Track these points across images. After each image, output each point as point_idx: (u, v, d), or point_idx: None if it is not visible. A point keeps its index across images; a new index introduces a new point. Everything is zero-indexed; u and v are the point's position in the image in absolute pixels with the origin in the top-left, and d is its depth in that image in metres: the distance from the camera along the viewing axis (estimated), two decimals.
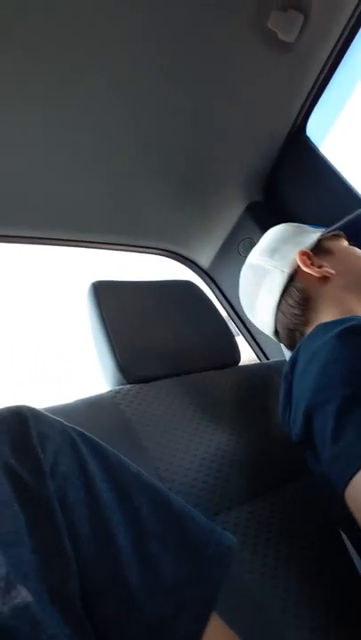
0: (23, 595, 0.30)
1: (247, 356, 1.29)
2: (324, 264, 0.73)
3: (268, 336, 0.82)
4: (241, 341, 1.18)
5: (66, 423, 0.44)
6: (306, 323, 0.73)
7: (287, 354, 0.89)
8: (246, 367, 0.93)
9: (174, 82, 0.85)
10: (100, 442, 0.45)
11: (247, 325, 1.33)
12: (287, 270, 0.74)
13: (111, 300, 0.83)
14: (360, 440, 0.47)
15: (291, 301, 0.73)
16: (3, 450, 0.37)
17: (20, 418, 0.40)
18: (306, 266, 0.72)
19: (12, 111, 0.80)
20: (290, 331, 0.75)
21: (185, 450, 0.68)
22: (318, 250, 0.75)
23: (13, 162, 0.89)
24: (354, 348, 0.54)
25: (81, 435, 0.44)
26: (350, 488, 0.46)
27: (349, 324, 0.57)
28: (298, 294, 0.73)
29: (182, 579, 0.40)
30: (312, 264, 0.73)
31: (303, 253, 0.73)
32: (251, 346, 1.34)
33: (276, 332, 0.79)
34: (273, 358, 1.26)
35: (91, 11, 0.70)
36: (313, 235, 0.78)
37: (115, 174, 1.01)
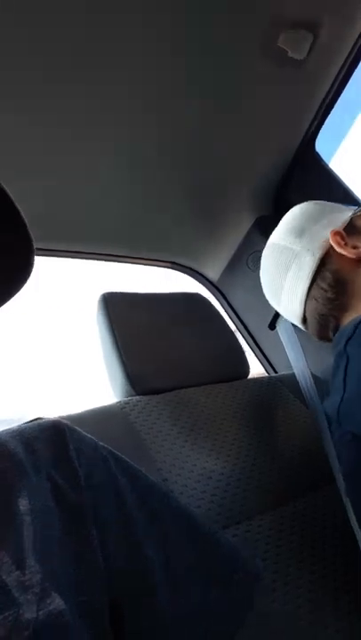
0: (57, 602, 0.30)
1: (256, 370, 1.28)
2: (359, 244, 0.68)
3: (276, 349, 0.81)
4: (250, 355, 1.18)
5: (97, 441, 0.44)
6: (342, 307, 0.68)
7: (296, 367, 0.89)
8: (255, 380, 0.93)
9: (186, 98, 0.87)
10: (129, 461, 0.46)
11: (255, 339, 1.33)
12: (319, 252, 0.68)
13: (121, 312, 0.84)
14: None
15: (324, 285, 0.68)
16: (45, 458, 0.38)
17: (59, 431, 0.41)
18: (340, 247, 0.67)
19: (26, 128, 0.81)
20: (322, 317, 0.70)
21: (194, 462, 0.68)
22: (350, 229, 0.70)
23: (26, 177, 0.90)
24: None
25: (111, 453, 0.44)
26: None
27: None
28: (331, 277, 0.67)
29: (210, 603, 0.40)
30: (346, 244, 0.67)
31: (336, 233, 0.68)
32: (259, 359, 1.34)
33: (304, 320, 0.73)
34: (281, 372, 1.26)
35: (107, 29, 0.72)
36: (344, 213, 0.72)
37: (126, 189, 1.02)
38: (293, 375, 0.89)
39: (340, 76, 0.91)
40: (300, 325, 0.76)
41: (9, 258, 0.38)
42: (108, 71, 0.77)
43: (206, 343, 0.89)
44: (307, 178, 1.09)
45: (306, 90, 0.92)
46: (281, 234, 0.75)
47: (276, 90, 0.90)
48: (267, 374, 1.32)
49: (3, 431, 0.40)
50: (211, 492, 0.64)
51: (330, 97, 0.95)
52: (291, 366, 0.91)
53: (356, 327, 0.61)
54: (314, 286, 0.69)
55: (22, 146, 0.84)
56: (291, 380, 0.90)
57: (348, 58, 0.88)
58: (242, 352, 0.94)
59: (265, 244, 0.81)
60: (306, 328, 0.75)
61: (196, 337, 0.89)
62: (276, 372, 1.29)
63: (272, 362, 1.30)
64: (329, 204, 0.76)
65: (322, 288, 0.68)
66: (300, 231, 0.72)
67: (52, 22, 0.67)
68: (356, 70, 0.92)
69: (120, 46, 0.74)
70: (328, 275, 0.68)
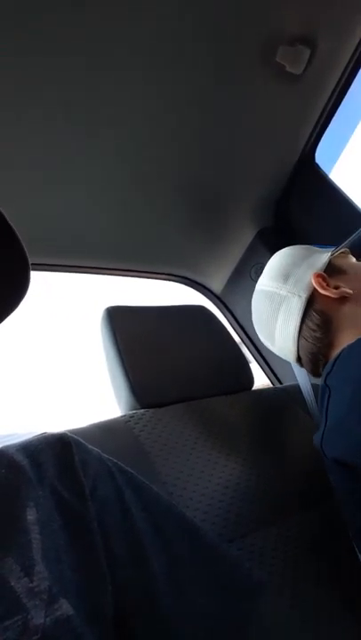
0: (65, 608, 0.31)
1: (261, 381, 1.28)
2: (340, 284, 0.72)
3: (281, 361, 0.81)
4: (254, 367, 1.18)
5: (102, 453, 0.45)
6: (329, 345, 0.71)
7: (300, 377, 0.89)
8: (260, 391, 0.93)
9: (187, 112, 0.88)
10: (134, 473, 0.47)
11: (260, 350, 1.33)
12: (304, 294, 0.72)
13: (125, 325, 0.84)
14: None
15: (312, 325, 0.72)
16: (50, 471, 0.39)
17: (65, 443, 0.42)
18: (323, 288, 0.71)
19: (25, 140, 0.83)
20: (313, 355, 0.73)
21: (199, 475, 0.67)
22: (331, 270, 0.74)
23: (28, 191, 0.92)
24: None
25: (116, 465, 0.46)
26: None
27: None
28: (318, 317, 0.71)
29: (213, 609, 0.41)
30: (328, 285, 0.72)
31: (318, 275, 0.72)
32: (264, 371, 1.34)
33: (299, 359, 0.77)
34: (286, 383, 1.25)
35: (109, 44, 0.73)
36: (323, 255, 0.76)
37: (128, 202, 1.04)
38: (298, 386, 0.89)
39: (338, 88, 0.93)
40: (296, 364, 0.80)
41: (5, 276, 0.39)
42: (109, 86, 0.79)
43: (211, 355, 0.89)
44: (307, 189, 1.10)
45: (304, 103, 0.93)
46: (268, 280, 0.79)
47: (275, 103, 0.91)
48: (271, 385, 1.31)
49: (10, 445, 0.41)
50: (216, 504, 0.64)
51: (328, 109, 0.96)
52: (295, 377, 0.91)
53: (334, 362, 0.64)
54: (303, 327, 0.73)
55: (22, 160, 0.85)
56: (296, 392, 0.90)
57: (345, 70, 0.89)
58: (246, 363, 0.93)
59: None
60: (302, 366, 0.79)
61: (201, 349, 0.89)
62: (280, 383, 1.29)
63: (277, 373, 1.30)
64: (310, 247, 0.81)
65: (310, 328, 0.72)
66: (286, 276, 0.77)
67: (52, 28, 0.68)
68: (353, 81, 0.93)
69: (120, 60, 0.75)
70: (315, 315, 0.72)
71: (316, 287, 0.72)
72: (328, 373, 0.64)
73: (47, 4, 0.65)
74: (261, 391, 0.93)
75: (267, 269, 0.81)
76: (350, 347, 0.64)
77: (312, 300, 0.72)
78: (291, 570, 0.59)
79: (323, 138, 1.04)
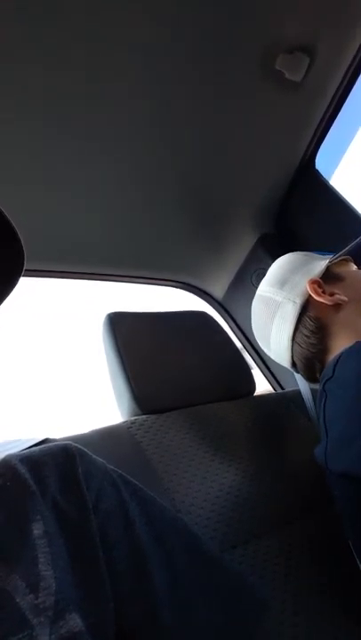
0: (70, 624, 0.31)
1: (263, 387, 1.28)
2: (336, 291, 0.72)
3: (282, 366, 0.82)
4: (256, 372, 1.18)
5: (107, 464, 0.45)
6: (324, 351, 0.71)
7: (301, 383, 0.88)
8: (261, 397, 0.92)
9: (188, 120, 0.88)
10: (138, 484, 0.46)
11: (261, 355, 1.33)
12: (299, 301, 0.73)
13: (126, 331, 0.84)
14: None
15: (306, 331, 0.72)
16: (52, 485, 0.39)
17: (68, 455, 0.42)
18: (317, 294, 0.71)
19: (26, 147, 0.83)
20: (308, 361, 0.74)
21: (201, 482, 0.67)
22: (328, 277, 0.74)
23: (29, 197, 0.92)
24: None
25: (121, 476, 0.45)
26: None
27: None
28: (312, 323, 0.72)
29: (216, 623, 0.41)
30: (323, 292, 0.72)
31: (313, 282, 0.72)
32: (265, 376, 1.34)
33: (294, 364, 0.77)
34: (288, 388, 1.25)
35: (109, 53, 0.74)
36: (321, 262, 0.77)
37: (129, 209, 1.04)
38: (300, 392, 0.89)
39: (338, 95, 0.93)
40: (291, 369, 0.80)
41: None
42: (109, 95, 0.79)
43: (212, 361, 0.89)
44: (308, 195, 1.10)
45: (304, 109, 0.94)
46: (266, 285, 0.80)
47: (275, 111, 0.92)
48: (273, 391, 1.31)
49: (13, 454, 0.41)
50: (218, 511, 0.64)
51: (328, 115, 0.97)
52: (297, 383, 0.90)
53: (334, 368, 0.64)
54: (297, 333, 0.73)
55: (22, 167, 0.86)
56: (297, 397, 0.90)
57: (345, 76, 0.90)
58: (248, 369, 0.93)
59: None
60: (296, 371, 0.79)
61: (202, 355, 0.89)
62: (282, 388, 1.29)
63: (278, 378, 1.30)
64: (311, 253, 0.81)
65: (304, 334, 0.72)
66: (282, 282, 0.77)
67: (53, 36, 0.69)
68: (353, 88, 0.94)
69: (121, 68, 0.76)
70: (309, 321, 0.72)
71: (311, 293, 0.72)
72: (328, 379, 0.64)
73: (47, 13, 0.66)
74: (263, 397, 0.93)
75: (266, 275, 0.82)
76: (348, 351, 0.64)
77: (307, 307, 0.73)
78: (293, 578, 0.59)
79: (323, 144, 1.05)
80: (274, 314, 0.77)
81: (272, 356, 0.82)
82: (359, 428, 0.54)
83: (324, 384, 0.64)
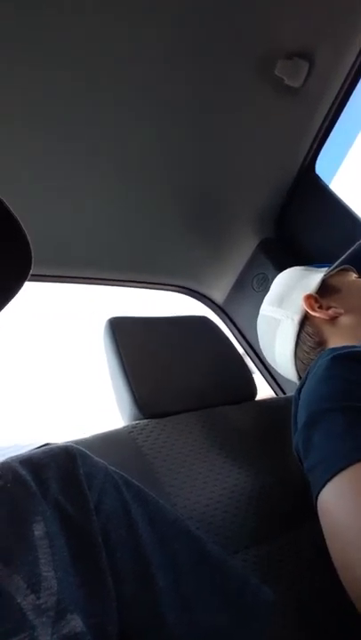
0: (72, 625, 0.31)
1: (265, 392, 1.28)
2: (332, 304, 0.72)
3: None
4: (258, 377, 1.17)
5: (109, 466, 0.45)
6: None
7: None
8: (263, 401, 0.92)
9: (188, 126, 0.89)
10: (140, 486, 0.46)
11: (263, 360, 1.32)
12: (296, 317, 0.73)
13: (128, 336, 0.84)
14: (322, 454, 0.47)
15: (306, 347, 0.72)
16: (53, 486, 0.39)
17: (70, 456, 0.42)
18: (313, 310, 0.71)
19: (26, 154, 0.84)
20: None
21: (202, 486, 0.67)
22: (325, 290, 0.74)
23: (29, 202, 0.93)
24: (342, 369, 0.54)
25: (123, 478, 0.45)
26: (319, 502, 0.48)
27: (347, 350, 0.57)
28: (311, 339, 0.72)
29: (220, 626, 0.40)
30: (320, 306, 0.71)
31: (308, 297, 0.72)
32: (267, 381, 1.33)
33: (300, 378, 0.77)
34: (289, 393, 1.25)
35: (109, 59, 0.74)
36: (317, 275, 0.76)
37: (130, 213, 1.04)
38: None
39: (338, 100, 0.94)
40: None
41: (7, 259, 0.40)
42: (109, 100, 0.80)
43: (213, 365, 0.89)
44: (308, 200, 1.11)
45: (304, 115, 0.95)
46: (266, 304, 0.81)
47: (274, 116, 0.92)
48: (275, 396, 1.31)
49: (13, 457, 0.41)
50: (220, 515, 0.63)
51: (328, 120, 0.97)
52: None
53: (306, 377, 0.63)
54: (298, 349, 0.74)
55: (23, 173, 0.86)
56: None
57: (344, 82, 0.90)
58: (249, 374, 0.93)
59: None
60: None
61: (203, 359, 0.89)
62: (284, 393, 1.29)
63: (280, 383, 1.30)
64: (308, 268, 0.80)
65: (305, 351, 0.73)
66: (280, 300, 0.78)
67: (53, 42, 0.70)
68: (353, 93, 0.94)
69: (120, 73, 0.77)
70: (308, 337, 0.72)
71: (307, 309, 0.72)
72: (301, 387, 0.63)
73: (48, 19, 0.67)
74: (264, 401, 0.93)
75: (268, 293, 0.83)
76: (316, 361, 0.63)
77: (305, 323, 0.73)
78: (298, 583, 0.59)
79: (323, 149, 1.05)
80: (275, 333, 0.77)
81: (280, 372, 0.82)
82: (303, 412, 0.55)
83: (299, 392, 0.64)
